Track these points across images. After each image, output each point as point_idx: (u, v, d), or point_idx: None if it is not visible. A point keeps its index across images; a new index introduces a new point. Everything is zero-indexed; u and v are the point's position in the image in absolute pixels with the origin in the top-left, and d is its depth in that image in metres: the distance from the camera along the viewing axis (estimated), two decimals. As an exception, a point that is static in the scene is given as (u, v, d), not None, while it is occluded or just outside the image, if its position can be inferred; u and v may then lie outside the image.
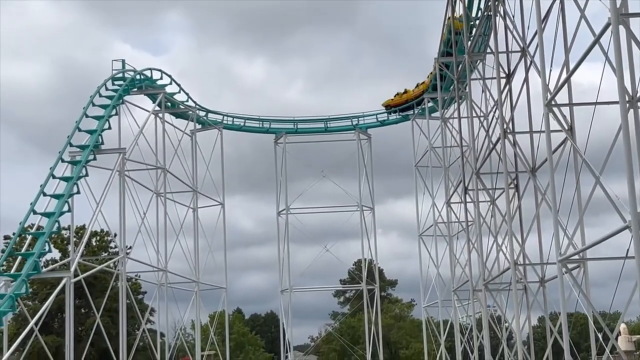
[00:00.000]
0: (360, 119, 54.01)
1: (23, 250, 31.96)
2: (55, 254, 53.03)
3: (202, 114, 50.54)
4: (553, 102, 21.78)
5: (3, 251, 35.01)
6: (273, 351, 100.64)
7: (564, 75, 21.90)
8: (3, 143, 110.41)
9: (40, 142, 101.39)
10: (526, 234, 30.15)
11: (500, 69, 30.59)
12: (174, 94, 46.38)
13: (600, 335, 21.91)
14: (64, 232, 43.24)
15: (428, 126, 49.27)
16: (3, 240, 53.85)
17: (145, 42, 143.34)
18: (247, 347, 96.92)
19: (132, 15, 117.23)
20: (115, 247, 54.56)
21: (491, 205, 33.30)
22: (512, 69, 31.51)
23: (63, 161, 33.89)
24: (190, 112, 48.65)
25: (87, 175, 34.03)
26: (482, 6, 35.12)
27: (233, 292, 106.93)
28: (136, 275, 51.61)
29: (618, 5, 16.94)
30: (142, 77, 42.60)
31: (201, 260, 47.61)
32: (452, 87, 42.31)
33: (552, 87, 22.09)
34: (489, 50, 34.63)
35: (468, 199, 36.70)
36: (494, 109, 32.58)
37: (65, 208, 31.76)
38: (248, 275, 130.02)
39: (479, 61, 36.12)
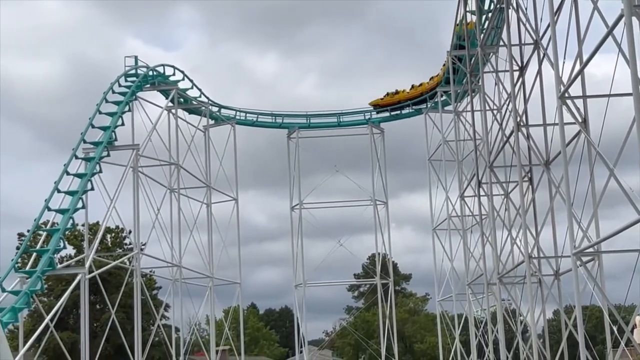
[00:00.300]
0: (372, 113, 53.92)
1: (38, 246, 32.13)
2: (71, 250, 53.31)
3: (214, 109, 50.58)
4: (566, 95, 21.70)
5: (18, 248, 35.16)
6: (288, 346, 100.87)
7: (577, 68, 21.80)
8: (17, 140, 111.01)
9: (54, 139, 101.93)
10: (540, 227, 30.06)
11: (513, 62, 30.47)
12: (187, 89, 46.42)
13: (615, 328, 21.86)
14: (80, 228, 43.46)
15: (441, 120, 49.15)
16: (17, 238, 54.17)
17: (157, 38, 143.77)
18: (262, 342, 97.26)
19: (144, 11, 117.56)
20: (130, 243, 54.82)
21: (505, 199, 33.21)
22: (525, 61, 31.39)
23: (77, 158, 33.99)
24: (203, 107, 48.72)
25: (101, 171, 34.15)
26: (494, -1, 35.01)
27: (247, 287, 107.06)
28: (151, 271, 51.76)
29: (631, -4, 16.85)
30: (154, 73, 42.69)
31: (215, 255, 47.81)
32: (465, 80, 42.18)
33: (565, 79, 21.99)
34: (501, 43, 34.48)
35: (482, 193, 36.60)
36: (507, 102, 32.46)
37: (80, 204, 31.89)
38: (262, 271, 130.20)
39: (491, 54, 35.99)
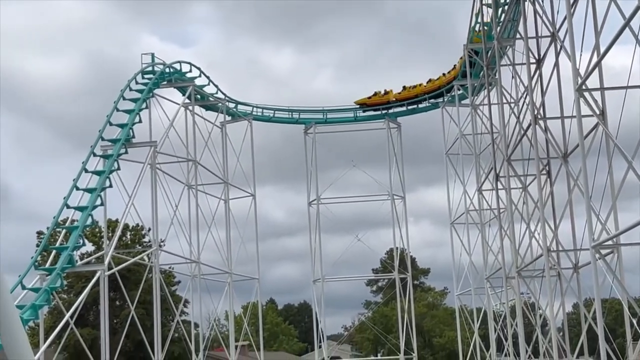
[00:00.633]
0: (389, 107, 53.81)
1: (57, 244, 32.32)
2: (91, 247, 53.55)
3: (231, 105, 50.64)
4: (584, 87, 21.59)
5: (38, 246, 35.44)
6: (307, 341, 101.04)
7: (595, 59, 21.69)
8: (35, 138, 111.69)
9: (72, 136, 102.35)
10: (559, 220, 29.95)
11: (530, 55, 30.34)
12: (204, 86, 46.52)
13: (635, 321, 21.75)
14: (100, 225, 43.58)
15: (458, 113, 48.99)
16: (37, 237, 54.47)
17: (173, 34, 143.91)
18: (281, 337, 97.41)
19: (160, 7, 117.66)
20: (149, 240, 55.04)
21: (523, 192, 33.09)
22: (542, 54, 31.25)
23: (95, 155, 34.19)
24: (220, 104, 48.81)
25: (119, 168, 34.32)
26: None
27: (266, 283, 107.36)
28: (169, 267, 51.95)
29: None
30: (171, 70, 42.81)
31: (233, 251, 47.89)
32: (481, 74, 42.05)
33: (582, 71, 21.88)
34: (518, 35, 34.35)
35: (499, 186, 36.49)
36: (524, 95, 32.33)
37: (98, 202, 32.07)
38: (280, 266, 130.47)
39: (508, 47, 35.85)
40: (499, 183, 36.43)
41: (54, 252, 31.87)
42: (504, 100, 35.46)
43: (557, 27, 27.93)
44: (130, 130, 35.75)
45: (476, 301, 48.51)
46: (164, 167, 39.68)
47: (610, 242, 22.26)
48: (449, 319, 78.30)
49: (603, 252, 22.29)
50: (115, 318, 51.27)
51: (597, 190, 23.45)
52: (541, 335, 32.80)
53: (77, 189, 32.17)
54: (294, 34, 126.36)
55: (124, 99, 37.25)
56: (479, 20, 40.07)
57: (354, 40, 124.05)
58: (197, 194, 43.70)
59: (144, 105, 37.50)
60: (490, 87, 39.14)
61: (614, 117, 22.69)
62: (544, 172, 31.53)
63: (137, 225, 55.18)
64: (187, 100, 43.75)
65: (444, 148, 51.09)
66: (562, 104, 29.62)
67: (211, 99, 47.74)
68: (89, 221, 31.66)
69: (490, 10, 36.90)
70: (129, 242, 57.30)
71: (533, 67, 30.66)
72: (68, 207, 31.72)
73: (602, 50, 21.30)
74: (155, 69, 40.95)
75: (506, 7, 35.20)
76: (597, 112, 22.12)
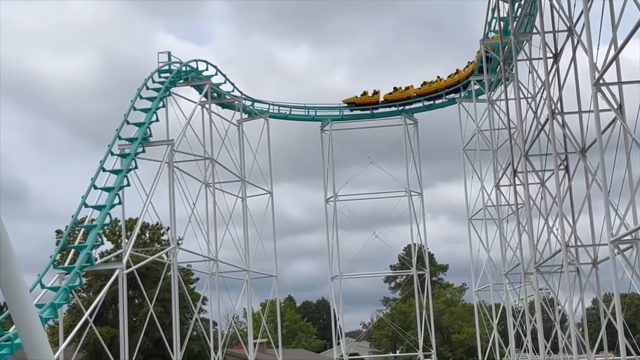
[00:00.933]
0: (406, 103, 53.70)
1: (76, 243, 32.50)
2: (110, 246, 53.82)
3: (248, 103, 50.72)
4: (601, 81, 21.47)
5: (57, 244, 35.64)
6: (325, 338, 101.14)
7: (612, 53, 21.56)
8: (53, 137, 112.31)
9: (89, 135, 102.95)
10: (577, 215, 29.81)
11: (547, 49, 30.20)
12: (220, 84, 46.62)
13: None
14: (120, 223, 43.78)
15: (475, 109, 48.85)
16: (56, 235, 54.80)
17: (188, 32, 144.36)
18: (299, 335, 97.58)
19: (175, 5, 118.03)
20: (168, 239, 55.24)
21: (541, 187, 32.95)
22: (559, 48, 31.09)
23: (112, 154, 34.34)
24: (237, 102, 48.90)
25: (136, 167, 34.45)
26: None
27: (284, 280, 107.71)
28: (187, 265, 52.13)
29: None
30: (188, 68, 42.93)
31: (251, 248, 47.98)
32: (498, 69, 41.89)
33: (600, 65, 21.76)
34: (534, 30, 34.19)
35: (517, 182, 36.34)
36: (541, 90, 32.19)
37: (116, 200, 32.20)
38: (298, 263, 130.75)
39: (525, 42, 35.71)
40: (516, 178, 36.28)
41: (72, 251, 32.04)
42: (521, 96, 35.29)
43: (574, 21, 27.78)
44: (148, 129, 35.89)
45: (495, 297, 48.45)
46: (181, 166, 39.85)
47: (629, 237, 22.13)
48: (468, 315, 78.15)
49: (622, 247, 22.18)
50: (134, 316, 51.50)
51: (616, 184, 23.35)
52: (560, 331, 32.67)
53: (95, 188, 32.32)
54: (309, 30, 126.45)
55: (141, 97, 37.40)
56: (495, 15, 39.93)
57: (369, 36, 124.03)
58: (214, 191, 43.82)
59: (161, 104, 37.63)
60: (507, 83, 39.00)
61: (631, 111, 22.59)
62: (562, 167, 31.38)
63: (156, 223, 55.42)
64: (203, 99, 43.87)
65: (461, 144, 50.97)
66: (579, 99, 29.48)
67: (227, 97, 47.84)
68: (107, 220, 31.80)
69: (507, 5, 36.76)
70: (148, 240, 57.55)
71: (550, 61, 30.50)
72: (86, 206, 31.88)
73: (619, 43, 21.16)
74: (172, 67, 41.07)
75: (522, 2, 35.05)
76: (615, 106, 21.98)
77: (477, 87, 49.02)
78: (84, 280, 39.88)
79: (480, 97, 49.03)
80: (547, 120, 29.03)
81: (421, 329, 52.33)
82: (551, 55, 30.92)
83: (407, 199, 52.91)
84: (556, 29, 31.11)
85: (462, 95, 51.11)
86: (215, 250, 43.02)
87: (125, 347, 31.92)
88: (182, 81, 42.36)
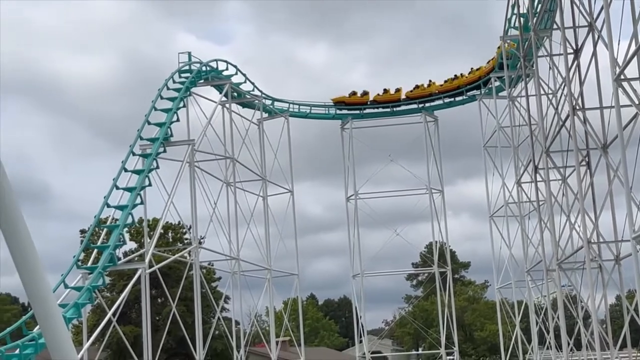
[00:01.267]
0: (426, 101, 53.59)
1: (99, 242, 32.72)
2: (133, 245, 54.13)
3: (268, 102, 50.81)
4: (622, 77, 21.36)
5: (82, 244, 35.93)
6: (347, 336, 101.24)
7: (633, 48, 21.44)
8: (74, 137, 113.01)
9: (111, 135, 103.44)
10: (599, 212, 29.65)
11: (568, 45, 30.06)
12: (240, 84, 46.72)
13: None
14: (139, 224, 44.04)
15: (495, 106, 48.64)
16: (80, 234, 55.22)
17: (208, 31, 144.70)
18: (322, 333, 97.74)
19: (195, 5, 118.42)
20: (189, 238, 55.48)
21: (562, 184, 32.82)
22: (579, 44, 30.93)
23: (134, 154, 34.55)
24: (257, 101, 48.99)
25: (157, 167, 34.65)
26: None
27: (305, 278, 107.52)
28: (209, 264, 52.34)
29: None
30: (208, 68, 43.09)
31: (272, 247, 48.07)
32: (518, 65, 41.74)
33: (620, 60, 21.64)
34: (555, 26, 34.03)
35: (538, 178, 36.20)
36: (562, 86, 32.04)
37: (138, 200, 32.41)
38: (320, 261, 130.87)
39: (545, 38, 35.55)
40: (537, 175, 36.14)
41: (95, 250, 32.27)
42: (542, 92, 35.15)
43: (594, 16, 27.62)
44: (169, 129, 36.09)
45: (517, 294, 48.29)
46: (202, 165, 40.00)
47: (651, 233, 21.99)
48: (490, 312, 77.97)
49: (644, 243, 22.05)
50: (157, 315, 51.80)
51: (638, 180, 23.17)
52: (583, 328, 32.53)
53: (117, 188, 32.54)
54: (327, 28, 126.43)
55: (162, 98, 37.60)
56: (515, 11, 39.78)
57: (388, 34, 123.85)
58: (235, 191, 43.95)
59: (181, 104, 37.82)
60: (527, 79, 38.85)
61: (653, 107, 22.42)
62: (584, 163, 31.21)
63: (178, 223, 55.69)
64: (224, 98, 44.01)
65: (482, 141, 50.76)
66: (600, 94, 29.31)
67: (248, 96, 47.93)
68: (129, 220, 32.01)
69: (527, 1, 36.62)
70: (171, 240, 57.85)
71: (570, 57, 30.36)
72: (109, 206, 32.11)
73: (640, 39, 21.07)
74: (192, 67, 41.27)
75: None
76: (636, 102, 21.85)
77: (497, 83, 48.85)
78: (108, 279, 40.23)
79: (500, 94, 48.83)
80: (568, 116, 28.90)
81: (443, 327, 52.21)
82: (572, 50, 30.77)
83: (427, 196, 52.83)
84: (576, 25, 30.94)
85: (483, 92, 50.94)
86: (237, 249, 43.16)
87: (149, 346, 32.13)
88: (202, 81, 42.53)
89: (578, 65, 30.68)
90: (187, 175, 37.34)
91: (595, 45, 28.23)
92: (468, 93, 52.35)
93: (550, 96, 34.37)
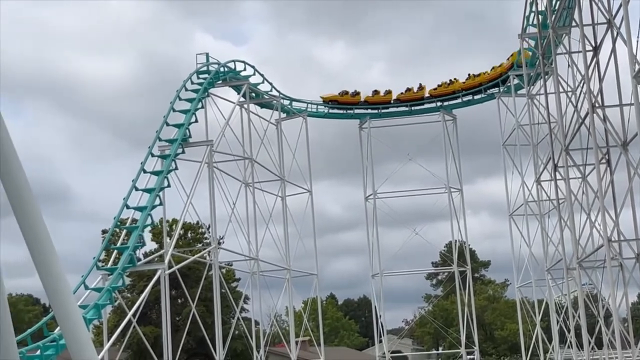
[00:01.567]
0: (444, 100, 53.43)
1: (119, 244, 32.87)
2: (154, 246, 54.28)
3: (286, 102, 50.82)
4: (642, 74, 21.22)
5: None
6: (367, 335, 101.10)
7: (653, 45, 21.31)
8: (94, 139, 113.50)
9: (130, 136, 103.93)
10: (619, 210, 29.46)
11: (587, 42, 29.89)
12: (258, 84, 46.78)
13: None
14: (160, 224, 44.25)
15: (514, 104, 48.41)
16: (101, 234, 55.47)
17: (226, 32, 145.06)
18: (342, 332, 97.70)
19: (212, 5, 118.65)
20: (208, 238, 55.65)
21: (582, 182, 32.65)
22: (598, 41, 30.75)
23: (153, 156, 34.68)
24: (275, 101, 49.02)
25: (176, 168, 34.78)
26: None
27: (325, 278, 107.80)
28: (229, 264, 52.47)
29: None
30: (226, 69, 43.17)
31: (291, 247, 48.13)
32: (537, 63, 41.54)
33: (640, 57, 21.51)
34: (573, 23, 33.86)
35: (558, 176, 36.03)
36: (581, 83, 31.87)
37: (157, 201, 32.52)
38: (339, 261, 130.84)
39: (564, 35, 35.37)
40: (557, 173, 35.97)
41: (115, 251, 32.40)
42: (561, 89, 34.98)
43: (613, 13, 27.46)
44: (187, 130, 36.19)
45: (537, 293, 48.05)
46: (220, 166, 40.09)
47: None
48: (510, 311, 77.61)
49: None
50: (177, 316, 52.00)
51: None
52: (604, 327, 32.36)
53: (137, 189, 32.68)
54: (345, 27, 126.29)
55: (180, 99, 37.70)
56: (534, 9, 39.60)
57: (406, 32, 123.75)
58: (254, 191, 44.02)
59: (199, 105, 37.92)
60: (546, 77, 38.68)
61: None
62: (604, 161, 31.03)
63: (197, 223, 55.85)
64: (242, 99, 44.08)
65: (501, 139, 50.55)
66: (620, 92, 29.14)
67: (266, 96, 47.97)
68: (149, 221, 32.12)
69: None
70: (191, 240, 58.01)
71: (589, 54, 30.18)
72: (128, 207, 32.25)
73: (659, 35, 20.93)
74: (210, 68, 41.36)
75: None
76: (656, 99, 21.73)
77: (516, 81, 48.65)
78: (128, 280, 40.38)
79: (519, 92, 48.62)
80: (587, 113, 28.75)
81: (463, 326, 52.09)
82: (591, 48, 30.59)
83: (447, 195, 52.72)
84: (595, 22, 30.77)
85: (501, 90, 50.73)
86: (256, 249, 43.23)
87: (169, 346, 32.25)
88: (220, 82, 42.60)
89: (597, 63, 30.49)
90: (205, 176, 37.47)
91: (614, 42, 28.05)
92: (487, 91, 52.17)
93: (570, 94, 34.19)
